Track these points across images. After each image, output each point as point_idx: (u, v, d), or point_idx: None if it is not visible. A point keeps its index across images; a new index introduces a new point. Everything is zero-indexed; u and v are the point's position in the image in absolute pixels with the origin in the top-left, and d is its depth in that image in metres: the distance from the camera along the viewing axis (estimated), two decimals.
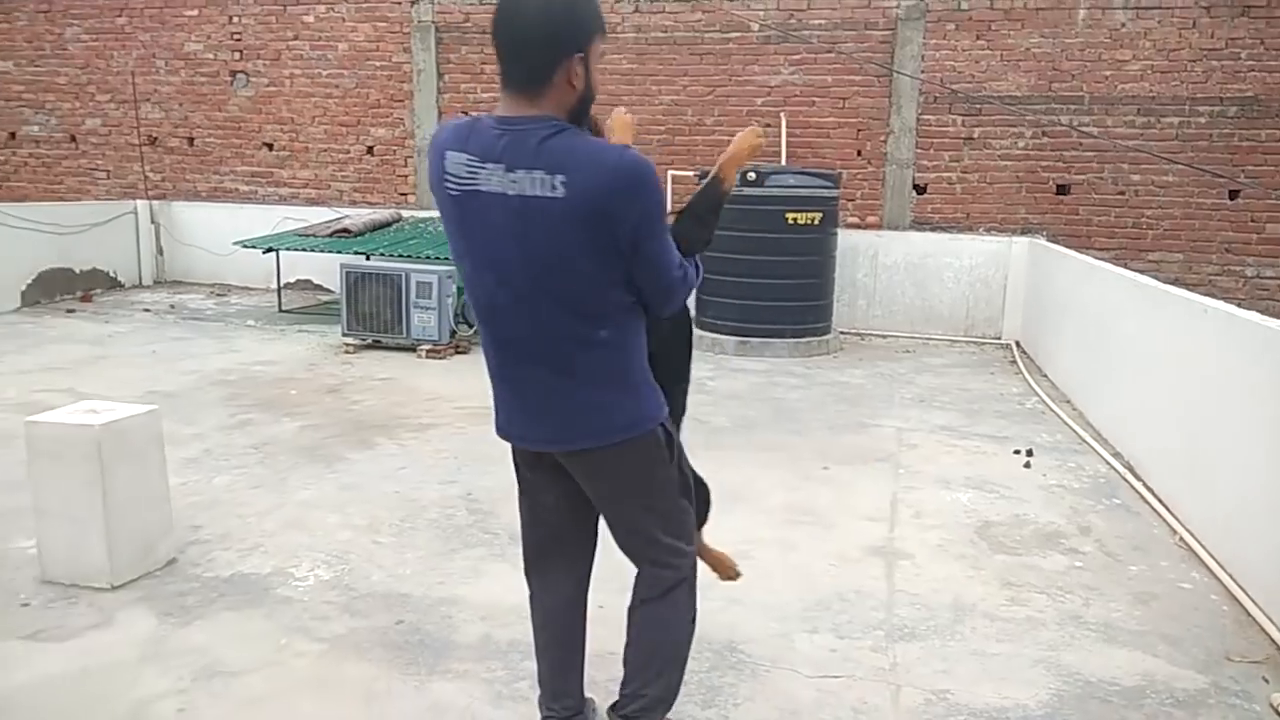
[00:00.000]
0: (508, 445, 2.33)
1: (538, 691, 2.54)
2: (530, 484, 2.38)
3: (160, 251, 11.30)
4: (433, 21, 10.22)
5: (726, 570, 2.88)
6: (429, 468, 4.91)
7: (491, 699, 2.79)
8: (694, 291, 2.29)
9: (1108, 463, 5.26)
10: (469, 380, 6.76)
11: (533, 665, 2.97)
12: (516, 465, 2.38)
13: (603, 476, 2.25)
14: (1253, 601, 3.48)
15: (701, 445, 5.39)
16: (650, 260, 2.07)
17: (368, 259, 8.66)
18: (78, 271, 10.27)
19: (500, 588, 3.44)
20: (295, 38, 10.73)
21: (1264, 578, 3.47)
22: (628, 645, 2.38)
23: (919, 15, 8.92)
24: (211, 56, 11.09)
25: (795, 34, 9.05)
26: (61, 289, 10.02)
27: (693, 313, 2.52)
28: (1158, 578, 3.80)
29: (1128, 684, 2.98)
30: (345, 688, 2.84)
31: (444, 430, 5.62)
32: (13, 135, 12.18)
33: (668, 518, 2.32)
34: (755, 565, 3.76)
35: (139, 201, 11.18)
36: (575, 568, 2.46)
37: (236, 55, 11.00)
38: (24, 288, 9.57)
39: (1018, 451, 5.43)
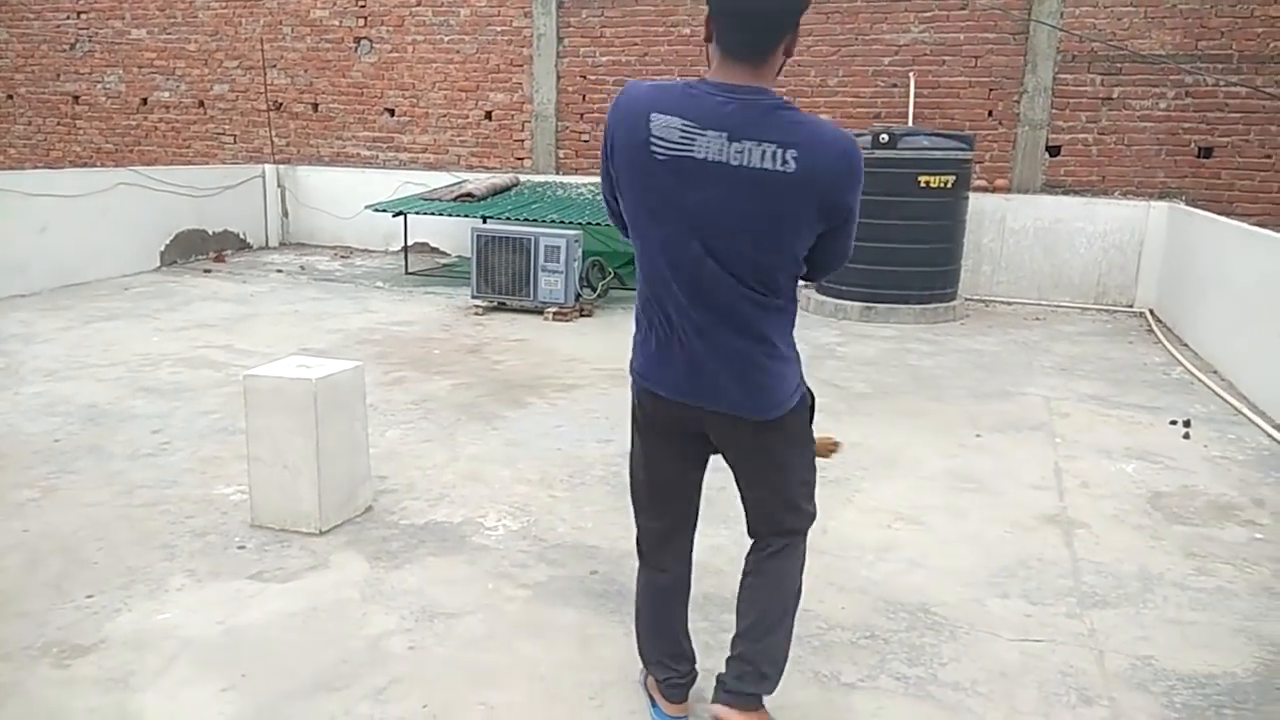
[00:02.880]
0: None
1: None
2: (653, 445, 2.38)
3: (286, 214, 11.68)
4: None
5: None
6: (583, 426, 5.03)
7: (700, 648, 2.87)
8: None
9: (1270, 435, 5.11)
10: (600, 343, 6.87)
11: (730, 617, 3.07)
12: (644, 426, 2.37)
13: (764, 441, 2.26)
14: None
15: (845, 411, 5.44)
16: (845, 238, 2.16)
17: (484, 222, 8.81)
18: (210, 233, 10.69)
19: None
20: (418, 3, 10.90)
21: None
22: (744, 607, 2.39)
23: None
24: (336, 23, 11.35)
25: None
26: (196, 249, 10.46)
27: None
28: None
29: None
30: (559, 631, 2.97)
31: (589, 391, 5.74)
32: (144, 100, 12.69)
33: (807, 481, 2.38)
34: (930, 531, 3.82)
35: (266, 165, 11.56)
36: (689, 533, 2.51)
37: (361, 22, 11.24)
38: (163, 248, 10.01)
39: (1174, 422, 5.31)
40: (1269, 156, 8.48)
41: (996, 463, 4.62)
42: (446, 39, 10.90)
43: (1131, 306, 8.71)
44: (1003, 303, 8.98)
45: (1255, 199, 8.57)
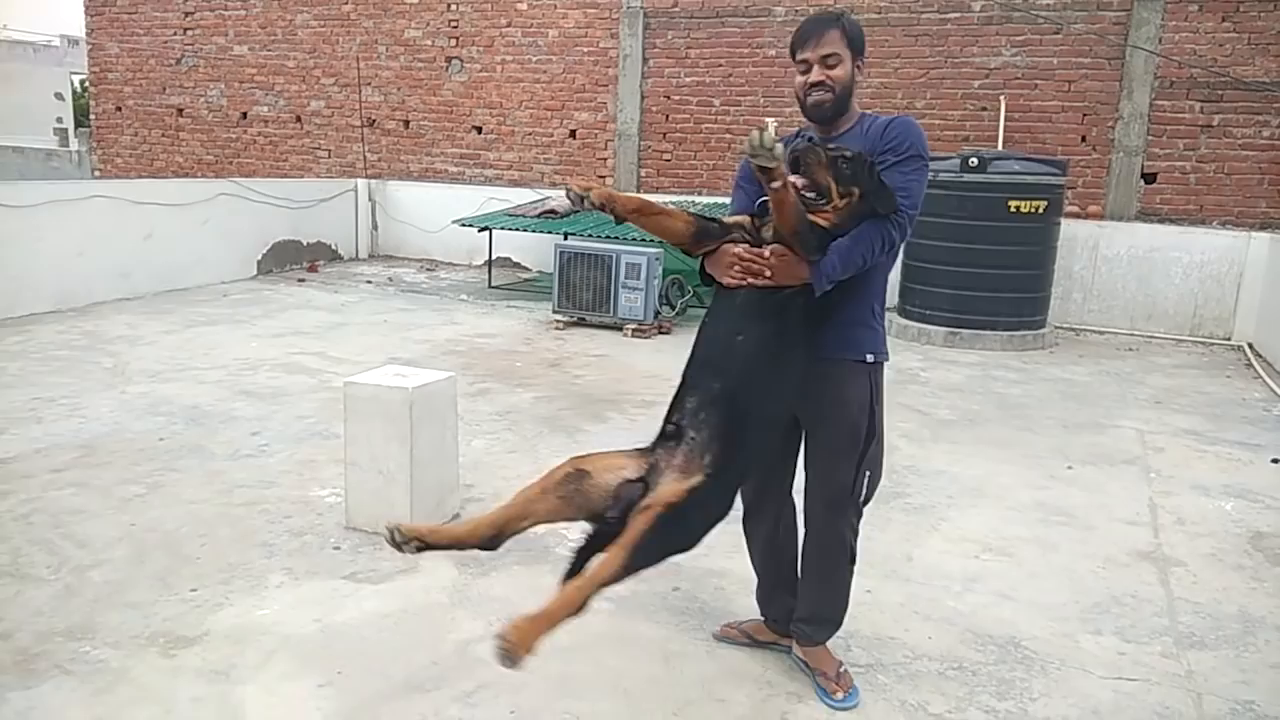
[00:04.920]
0: None
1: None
2: None
3: (376, 227, 12.02)
4: (641, 7, 10.41)
5: None
6: None
7: (783, 670, 2.89)
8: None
9: None
10: (679, 360, 6.84)
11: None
12: None
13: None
14: None
15: (929, 438, 5.37)
16: None
17: (566, 238, 8.92)
18: (305, 243, 11.06)
19: None
20: (508, 24, 11.16)
21: None
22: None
23: None
24: (429, 43, 11.68)
25: (1021, 14, 8.72)
26: (291, 259, 10.83)
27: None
28: None
29: None
30: (642, 645, 3.00)
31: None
32: (244, 115, 13.20)
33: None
34: (1020, 563, 3.74)
35: (359, 180, 11.92)
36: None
37: (453, 41, 11.55)
38: (259, 257, 10.39)
39: (1276, 460, 5.11)
40: None
41: (1088, 496, 4.50)
42: (535, 59, 11.12)
43: (1229, 339, 8.41)
44: (1094, 331, 8.75)
45: None
